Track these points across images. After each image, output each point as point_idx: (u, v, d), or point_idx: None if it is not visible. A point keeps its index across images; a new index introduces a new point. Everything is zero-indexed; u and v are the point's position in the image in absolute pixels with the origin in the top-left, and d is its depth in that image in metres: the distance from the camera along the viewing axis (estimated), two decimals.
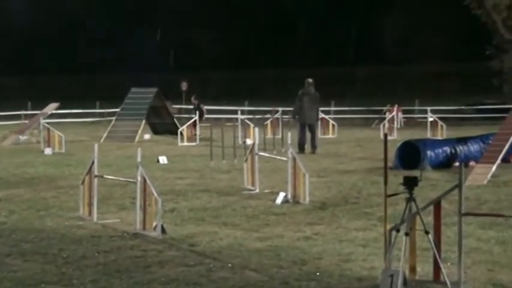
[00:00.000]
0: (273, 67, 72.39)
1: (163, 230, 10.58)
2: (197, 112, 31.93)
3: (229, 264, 8.92)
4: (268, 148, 23.74)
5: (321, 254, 9.39)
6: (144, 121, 31.30)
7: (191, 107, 36.78)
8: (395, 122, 35.20)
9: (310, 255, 9.33)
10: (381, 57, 70.18)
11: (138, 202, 10.93)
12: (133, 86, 34.21)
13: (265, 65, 72.91)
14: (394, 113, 36.26)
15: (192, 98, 34.81)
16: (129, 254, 9.57)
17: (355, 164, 20.16)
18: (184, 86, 48.43)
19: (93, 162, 11.83)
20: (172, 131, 31.57)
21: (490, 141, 18.76)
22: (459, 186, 7.73)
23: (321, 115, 33.60)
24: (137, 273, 8.58)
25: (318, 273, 8.45)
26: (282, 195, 13.57)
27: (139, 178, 10.88)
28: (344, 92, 59.45)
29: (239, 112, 32.89)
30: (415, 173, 8.50)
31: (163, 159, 21.08)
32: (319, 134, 31.59)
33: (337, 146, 26.90)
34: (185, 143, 28.31)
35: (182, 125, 31.08)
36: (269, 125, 31.11)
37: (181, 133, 29.29)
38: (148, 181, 10.71)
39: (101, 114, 45.50)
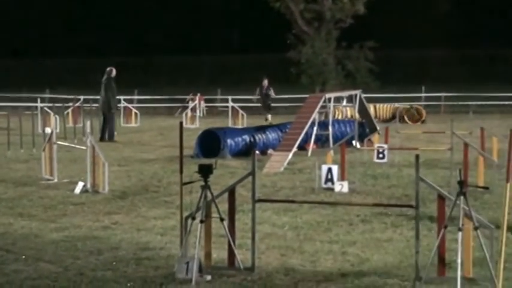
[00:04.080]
0: (72, 56, 70.93)
1: None
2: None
3: (23, 256, 8.69)
4: (69, 137, 23.26)
5: (119, 244, 9.34)
6: None
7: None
8: (198, 111, 35.51)
9: (108, 245, 9.26)
10: (184, 47, 70.44)
11: None
12: None
13: (64, 54, 71.26)
14: (197, 101, 36.57)
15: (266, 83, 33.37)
16: None
17: (157, 153, 20.17)
18: None
19: None
20: None
21: (287, 130, 19.33)
22: (252, 173, 7.92)
23: (124, 104, 33.63)
24: None
25: (114, 263, 8.40)
26: (80, 184, 13.37)
27: None
28: (148, 80, 59.26)
29: (39, 100, 32.03)
30: (212, 161, 8.58)
31: None
32: (121, 123, 31.50)
33: (139, 135, 26.80)
34: None
35: None
36: (70, 114, 30.51)
37: None
38: None
39: None
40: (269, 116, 32.38)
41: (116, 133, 24.27)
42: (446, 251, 7.66)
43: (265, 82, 32.90)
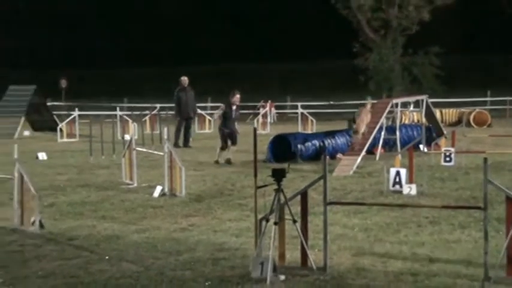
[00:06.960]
0: (148, 66, 72.21)
1: (41, 225, 10.70)
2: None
3: (107, 257, 9.13)
4: (146, 143, 23.88)
5: (196, 245, 9.72)
6: (23, 118, 31.19)
7: (71, 103, 36.32)
8: (269, 117, 35.95)
9: (186, 246, 9.64)
10: (254, 55, 71.05)
11: (16, 198, 11.01)
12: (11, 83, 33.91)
13: (141, 64, 72.63)
14: (268, 108, 37.00)
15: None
16: (7, 249, 9.66)
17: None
18: (63, 83, 47.91)
19: None
20: (52, 127, 31.40)
21: None
22: (324, 177, 8.22)
23: (198, 111, 34.28)
24: (15, 268, 8.69)
25: (192, 263, 8.76)
26: (159, 188, 13.86)
27: (16, 174, 10.98)
28: (223, 88, 59.84)
29: (118, 108, 32.95)
30: (285, 165, 8.90)
31: (42, 155, 21.08)
32: (195, 129, 32.12)
33: (213, 141, 27.19)
34: (65, 139, 28.23)
35: (62, 122, 30.99)
36: (148, 121, 31.27)
37: (60, 129, 29.27)
38: (25, 177, 10.81)
39: None
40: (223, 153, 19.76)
41: (180, 141, 24.47)
42: None
43: (237, 98, 20.35)
